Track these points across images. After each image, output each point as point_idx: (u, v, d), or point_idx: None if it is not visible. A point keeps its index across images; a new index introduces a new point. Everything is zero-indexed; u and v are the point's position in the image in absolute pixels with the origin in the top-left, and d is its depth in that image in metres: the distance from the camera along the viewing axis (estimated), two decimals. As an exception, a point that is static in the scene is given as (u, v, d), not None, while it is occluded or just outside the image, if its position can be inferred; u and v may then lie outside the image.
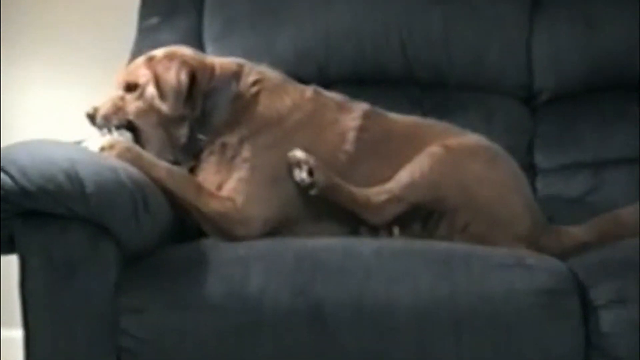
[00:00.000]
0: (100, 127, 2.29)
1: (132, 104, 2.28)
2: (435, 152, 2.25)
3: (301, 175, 2.19)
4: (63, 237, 1.95)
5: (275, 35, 2.72)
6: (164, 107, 2.24)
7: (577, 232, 2.31)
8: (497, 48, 2.73)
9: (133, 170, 2.09)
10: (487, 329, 1.97)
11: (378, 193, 2.21)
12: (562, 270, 2.05)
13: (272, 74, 2.36)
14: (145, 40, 2.71)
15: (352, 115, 2.32)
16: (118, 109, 2.29)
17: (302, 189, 2.20)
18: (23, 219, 1.95)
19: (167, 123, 2.27)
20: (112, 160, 2.10)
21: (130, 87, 2.30)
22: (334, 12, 2.72)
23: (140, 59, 2.34)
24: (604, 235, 2.29)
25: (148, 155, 2.19)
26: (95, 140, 2.19)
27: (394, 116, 2.39)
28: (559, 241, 2.29)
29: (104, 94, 2.34)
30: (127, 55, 2.68)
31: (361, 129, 2.30)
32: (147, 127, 2.27)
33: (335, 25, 2.72)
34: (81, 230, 1.96)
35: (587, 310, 1.99)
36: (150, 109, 2.27)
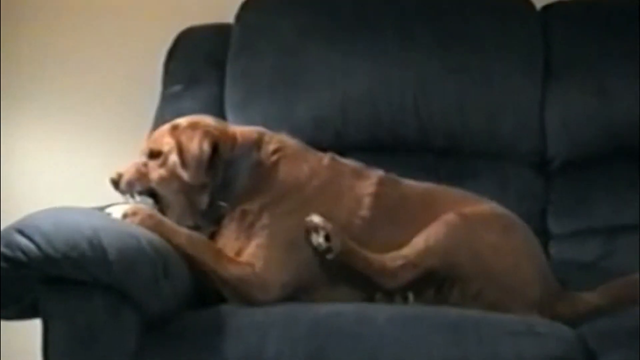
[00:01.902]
0: (123, 193, 2.34)
1: (155, 171, 2.33)
2: (450, 220, 2.27)
3: (318, 240, 2.20)
4: (85, 303, 1.99)
5: (294, 104, 2.75)
6: (185, 176, 2.28)
7: (590, 298, 2.31)
8: (510, 116, 2.76)
9: (154, 237, 2.13)
10: (498, 396, 1.98)
11: (393, 259, 2.23)
12: (571, 338, 2.06)
13: (291, 142, 2.40)
14: (168, 108, 2.76)
15: (368, 181, 2.35)
16: (141, 175, 2.33)
17: (319, 254, 2.22)
18: (47, 285, 1.99)
19: (188, 190, 2.30)
20: (133, 227, 2.14)
21: (154, 155, 2.34)
22: (351, 81, 2.76)
23: (165, 127, 2.38)
24: (617, 301, 2.29)
25: (169, 223, 2.23)
26: (118, 207, 2.23)
27: (409, 182, 2.42)
28: (572, 307, 2.29)
29: (126, 160, 2.39)
30: (149, 122, 2.74)
31: (376, 195, 2.33)
32: (168, 194, 2.31)
33: (351, 93, 2.75)
34: (103, 297, 1.99)
35: (597, 378, 2.00)
36: (172, 177, 2.30)
